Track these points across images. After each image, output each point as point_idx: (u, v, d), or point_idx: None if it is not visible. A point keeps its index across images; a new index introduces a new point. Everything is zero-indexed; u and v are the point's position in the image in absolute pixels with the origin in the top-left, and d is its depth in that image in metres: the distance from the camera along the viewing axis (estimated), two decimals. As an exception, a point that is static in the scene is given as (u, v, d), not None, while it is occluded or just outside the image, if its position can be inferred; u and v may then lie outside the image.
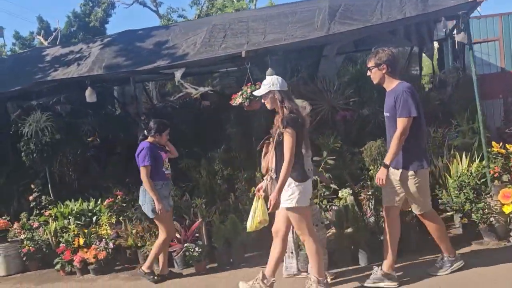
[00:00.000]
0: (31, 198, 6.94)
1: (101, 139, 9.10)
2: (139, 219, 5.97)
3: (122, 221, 5.95)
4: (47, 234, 6.06)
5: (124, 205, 6.48)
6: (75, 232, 6.04)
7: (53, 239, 5.92)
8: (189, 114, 9.25)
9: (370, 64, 3.86)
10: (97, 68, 6.77)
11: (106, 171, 8.76)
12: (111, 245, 5.54)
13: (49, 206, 6.90)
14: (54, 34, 19.81)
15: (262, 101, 3.91)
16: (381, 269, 3.99)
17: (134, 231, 5.69)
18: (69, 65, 7.17)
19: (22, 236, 5.99)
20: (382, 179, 3.77)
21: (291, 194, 3.68)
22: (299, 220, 3.74)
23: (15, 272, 5.76)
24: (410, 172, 3.80)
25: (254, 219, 3.91)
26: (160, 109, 10.91)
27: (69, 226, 6.19)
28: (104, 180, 8.30)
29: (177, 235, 5.27)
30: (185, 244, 5.08)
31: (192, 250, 4.97)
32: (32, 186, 7.12)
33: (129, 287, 4.83)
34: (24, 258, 5.80)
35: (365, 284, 4.00)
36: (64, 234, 6.01)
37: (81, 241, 5.64)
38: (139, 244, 5.61)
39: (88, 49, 7.46)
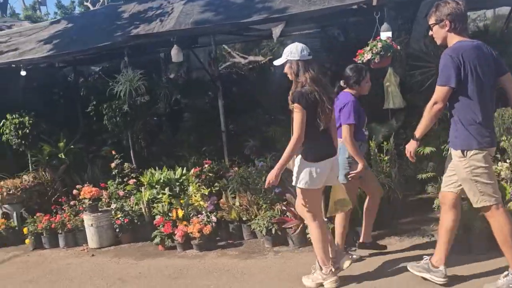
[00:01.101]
0: (112, 165, 6.47)
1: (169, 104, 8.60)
2: (237, 190, 5.46)
3: (223, 192, 5.42)
4: (137, 204, 5.59)
5: (210, 175, 5.98)
6: (166, 203, 5.57)
7: (146, 210, 5.44)
8: (261, 80, 8.59)
9: (431, 21, 3.25)
10: (184, 24, 6.14)
11: (177, 139, 8.29)
12: (213, 218, 5.01)
13: (131, 174, 6.46)
14: (101, 0, 19.32)
15: (284, 71, 3.50)
16: (429, 259, 3.43)
17: (237, 204, 5.14)
18: (151, 22, 6.56)
19: (113, 206, 5.54)
20: (410, 152, 3.33)
21: (298, 173, 3.43)
22: (305, 202, 3.50)
23: (107, 245, 5.29)
24: (457, 152, 3.17)
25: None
26: (225, 74, 10.33)
27: (158, 196, 5.73)
28: (177, 148, 7.85)
29: (291, 209, 4.70)
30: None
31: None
32: (113, 152, 6.65)
33: (246, 266, 4.27)
34: (117, 230, 5.34)
35: (409, 268, 3.54)
36: (156, 204, 5.54)
37: (180, 213, 5.13)
38: (244, 218, 5.07)
39: (169, 5, 6.84)
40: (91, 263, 4.81)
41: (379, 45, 4.52)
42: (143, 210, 5.44)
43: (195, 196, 5.60)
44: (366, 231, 4.20)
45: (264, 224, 4.68)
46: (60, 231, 5.45)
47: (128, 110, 5.81)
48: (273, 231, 4.64)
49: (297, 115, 3.31)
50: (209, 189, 5.67)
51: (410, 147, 3.34)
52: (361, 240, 4.23)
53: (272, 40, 11.49)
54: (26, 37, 7.73)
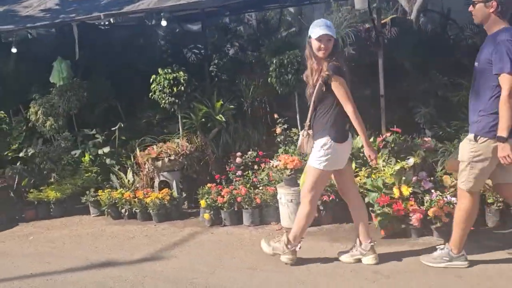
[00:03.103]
0: (278, 130, 5.60)
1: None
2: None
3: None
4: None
5: (393, 145, 5.08)
6: (363, 177, 4.68)
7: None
8: (407, 42, 7.39)
9: None
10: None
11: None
12: (452, 199, 4.07)
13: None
14: None
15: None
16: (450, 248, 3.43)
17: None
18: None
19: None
20: (509, 155, 3.02)
21: (321, 156, 3.35)
22: (313, 182, 3.44)
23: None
24: (470, 136, 3.20)
25: None
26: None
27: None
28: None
29: None
30: None
31: None
32: (276, 116, 5.76)
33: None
34: (320, 208, 4.47)
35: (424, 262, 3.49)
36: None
37: (406, 190, 4.19)
38: (489, 201, 4.14)
39: None
40: (311, 248, 3.95)
41: None
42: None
43: (389, 169, 4.70)
44: None
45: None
46: (246, 206, 4.62)
47: (292, 67, 4.87)
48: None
49: (341, 87, 3.27)
50: (400, 162, 4.76)
51: (505, 151, 3.02)
52: None
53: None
54: (155, -17, 6.81)
